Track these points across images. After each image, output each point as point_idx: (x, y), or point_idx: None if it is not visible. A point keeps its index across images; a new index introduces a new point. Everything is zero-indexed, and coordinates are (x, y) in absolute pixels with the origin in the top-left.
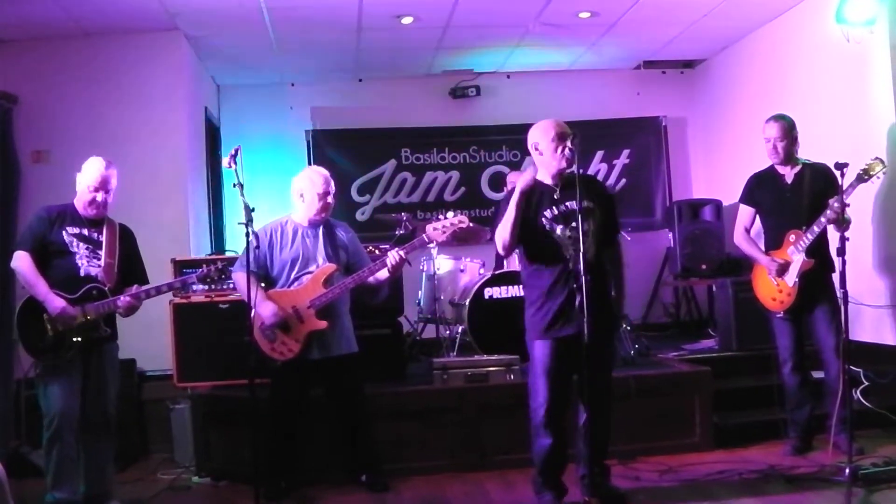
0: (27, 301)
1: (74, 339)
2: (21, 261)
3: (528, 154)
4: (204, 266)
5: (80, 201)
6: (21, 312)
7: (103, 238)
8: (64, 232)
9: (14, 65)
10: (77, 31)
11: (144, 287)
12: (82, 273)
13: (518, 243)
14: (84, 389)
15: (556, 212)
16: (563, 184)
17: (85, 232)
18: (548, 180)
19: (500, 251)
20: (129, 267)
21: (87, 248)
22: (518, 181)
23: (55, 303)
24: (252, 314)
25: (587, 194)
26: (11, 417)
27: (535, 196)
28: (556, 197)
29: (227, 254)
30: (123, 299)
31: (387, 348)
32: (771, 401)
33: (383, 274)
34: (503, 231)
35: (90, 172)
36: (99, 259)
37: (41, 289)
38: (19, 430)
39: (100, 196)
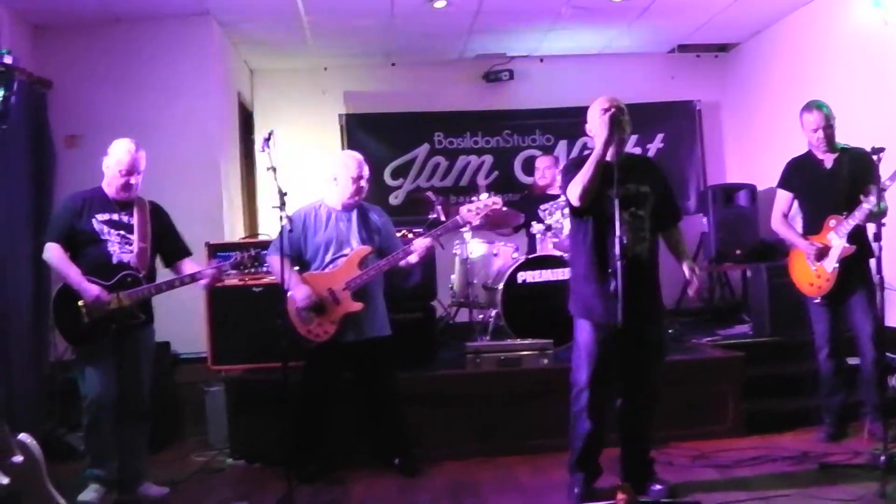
0: (62, 288)
1: (111, 326)
2: (51, 251)
3: (562, 138)
4: (237, 253)
5: (111, 185)
6: (57, 300)
7: (134, 221)
8: (94, 220)
9: (48, 50)
10: (110, 16)
11: (177, 277)
12: (115, 260)
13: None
14: (120, 373)
15: (616, 192)
16: (622, 164)
17: (115, 217)
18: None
19: (575, 200)
20: (167, 244)
21: (118, 235)
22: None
23: (90, 290)
24: (286, 297)
25: (642, 178)
26: (46, 400)
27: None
28: (616, 176)
29: (261, 237)
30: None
31: (419, 332)
32: (805, 387)
33: (415, 257)
34: (583, 177)
35: (120, 156)
36: (131, 245)
37: (74, 277)
38: (54, 412)
39: (133, 179)
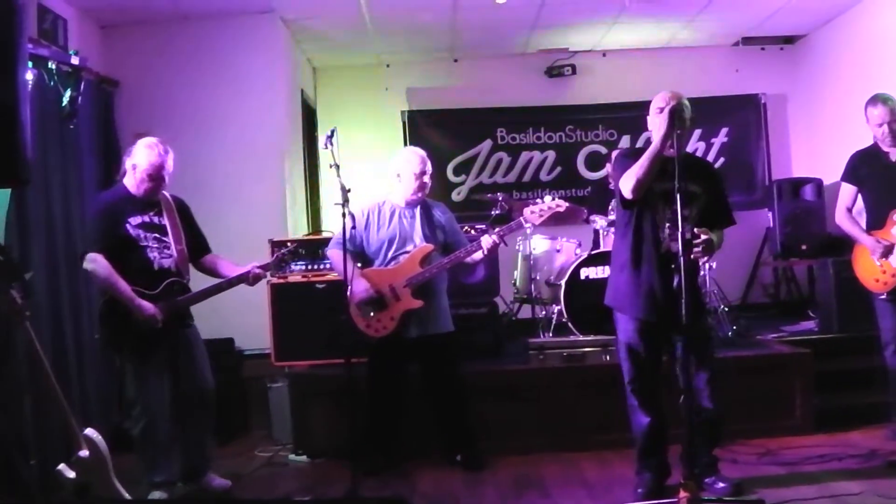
0: (108, 303)
1: (159, 335)
2: (97, 263)
3: (625, 133)
4: (275, 252)
5: (138, 186)
6: (104, 316)
7: (166, 221)
8: (128, 225)
9: (115, 50)
10: (176, 14)
11: (223, 279)
12: (156, 266)
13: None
14: (175, 370)
15: (678, 186)
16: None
17: (147, 219)
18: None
19: (628, 192)
20: (193, 240)
21: (154, 238)
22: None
23: (146, 309)
24: (348, 292)
25: (694, 177)
26: (114, 393)
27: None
28: (677, 171)
29: (324, 234)
30: (254, 272)
31: (483, 328)
32: (873, 384)
33: (479, 255)
34: (639, 169)
35: (151, 158)
36: (169, 248)
37: (127, 293)
38: (122, 404)
39: (163, 183)
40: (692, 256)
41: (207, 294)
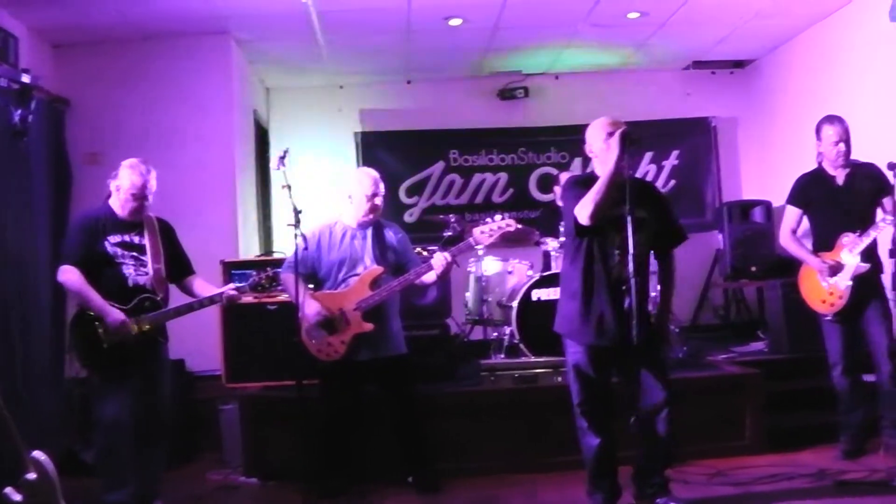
0: (80, 312)
1: (130, 352)
2: (69, 274)
3: (577, 156)
4: (255, 274)
5: (123, 207)
6: (74, 324)
7: (146, 241)
8: (106, 243)
9: (67, 69)
10: (129, 34)
11: (196, 300)
12: (131, 283)
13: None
14: (139, 394)
15: (630, 209)
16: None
17: (127, 238)
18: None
19: (586, 220)
20: (175, 262)
21: (131, 256)
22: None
23: (114, 315)
24: (299, 315)
25: (642, 203)
26: (64, 416)
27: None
28: (628, 195)
29: (276, 255)
30: (228, 294)
31: (435, 349)
32: (823, 404)
33: (430, 277)
34: (595, 196)
35: (133, 178)
36: (146, 266)
37: (97, 302)
38: (70, 428)
39: (146, 203)
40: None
41: (178, 312)
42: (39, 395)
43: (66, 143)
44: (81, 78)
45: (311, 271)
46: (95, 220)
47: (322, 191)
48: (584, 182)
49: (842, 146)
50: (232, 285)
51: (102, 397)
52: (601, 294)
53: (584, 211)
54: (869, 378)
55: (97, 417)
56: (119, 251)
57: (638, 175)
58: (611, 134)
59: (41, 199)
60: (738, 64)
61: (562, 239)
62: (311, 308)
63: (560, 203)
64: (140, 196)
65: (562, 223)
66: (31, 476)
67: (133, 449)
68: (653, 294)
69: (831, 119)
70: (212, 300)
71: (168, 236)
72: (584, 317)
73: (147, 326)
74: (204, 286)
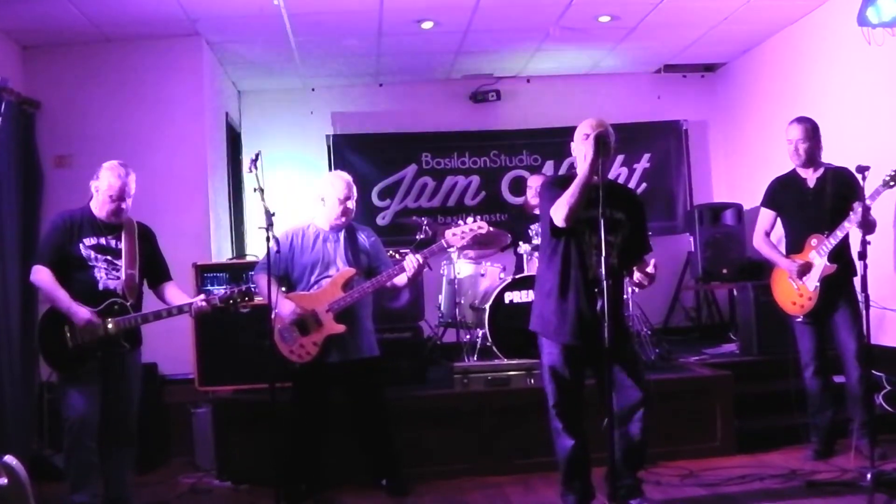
0: (48, 312)
1: (96, 352)
2: (40, 274)
3: (549, 158)
4: (228, 288)
5: (101, 209)
6: (42, 323)
7: (122, 245)
8: (81, 245)
9: (36, 71)
10: (99, 36)
11: (164, 308)
12: (101, 287)
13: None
14: (105, 396)
15: (603, 212)
16: (604, 187)
17: (103, 241)
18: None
19: (561, 221)
20: (152, 267)
21: (104, 260)
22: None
23: (81, 313)
24: (272, 317)
25: (619, 205)
26: (34, 421)
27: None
28: (602, 198)
29: (248, 258)
30: (197, 305)
31: (407, 352)
32: (793, 405)
33: (402, 279)
34: (570, 198)
35: (110, 180)
36: (118, 271)
37: (64, 300)
38: (42, 433)
39: (124, 204)
40: (633, 287)
41: (145, 319)
42: (10, 399)
43: (37, 146)
44: (52, 80)
45: (284, 273)
46: (72, 221)
47: (294, 193)
48: (561, 182)
49: (801, 145)
50: (202, 297)
51: (66, 396)
52: (578, 294)
53: (559, 212)
54: (839, 379)
55: (63, 415)
56: (92, 254)
57: (610, 177)
58: (588, 136)
59: (11, 202)
60: (709, 67)
61: (535, 242)
62: (286, 308)
63: (532, 203)
64: (118, 198)
65: (530, 226)
66: (3, 481)
67: (97, 450)
68: (625, 296)
69: (797, 119)
70: (180, 310)
71: (147, 241)
72: (560, 316)
73: (113, 330)
74: (176, 294)
